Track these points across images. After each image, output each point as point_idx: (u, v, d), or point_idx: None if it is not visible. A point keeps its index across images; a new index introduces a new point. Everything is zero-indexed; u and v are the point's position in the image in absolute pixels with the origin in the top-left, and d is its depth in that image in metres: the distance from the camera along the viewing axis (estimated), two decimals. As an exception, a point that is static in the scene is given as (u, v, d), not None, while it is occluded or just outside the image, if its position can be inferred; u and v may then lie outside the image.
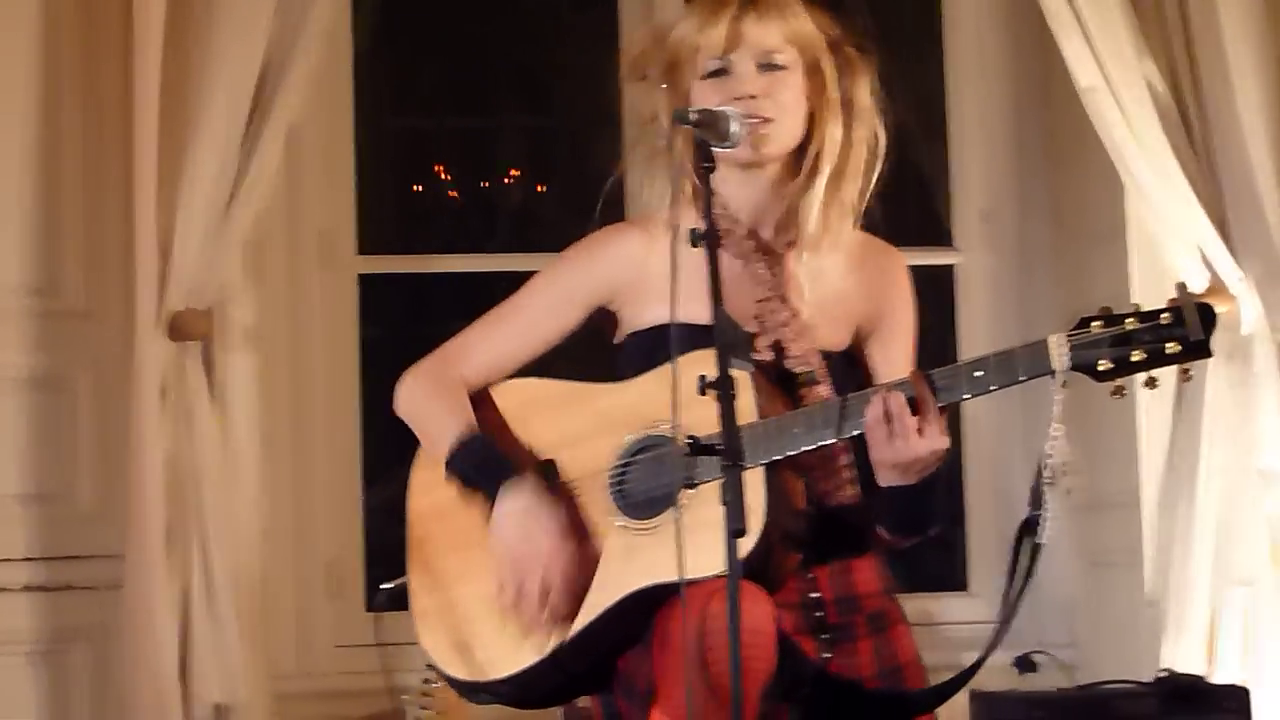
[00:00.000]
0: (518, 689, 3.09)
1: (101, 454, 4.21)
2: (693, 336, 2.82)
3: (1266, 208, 4.35)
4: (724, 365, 2.72)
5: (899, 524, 3.04)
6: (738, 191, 3.11)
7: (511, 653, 3.06)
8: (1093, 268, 4.70)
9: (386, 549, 4.31)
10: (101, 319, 4.23)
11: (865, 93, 3.14)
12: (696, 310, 2.82)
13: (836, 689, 2.99)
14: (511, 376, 3.21)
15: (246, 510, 4.27)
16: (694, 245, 2.79)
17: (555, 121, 5.79)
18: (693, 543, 2.72)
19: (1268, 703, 4.13)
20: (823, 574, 3.06)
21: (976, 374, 2.85)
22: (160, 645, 4.02)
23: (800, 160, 3.13)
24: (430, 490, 3.18)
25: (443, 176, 5.73)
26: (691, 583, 2.72)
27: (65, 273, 4.23)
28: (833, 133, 3.11)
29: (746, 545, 2.71)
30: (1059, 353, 2.80)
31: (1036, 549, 2.86)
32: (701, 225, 2.81)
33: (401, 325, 5.12)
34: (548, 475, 3.10)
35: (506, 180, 5.76)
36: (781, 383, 3.05)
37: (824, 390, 3.05)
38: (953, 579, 4.90)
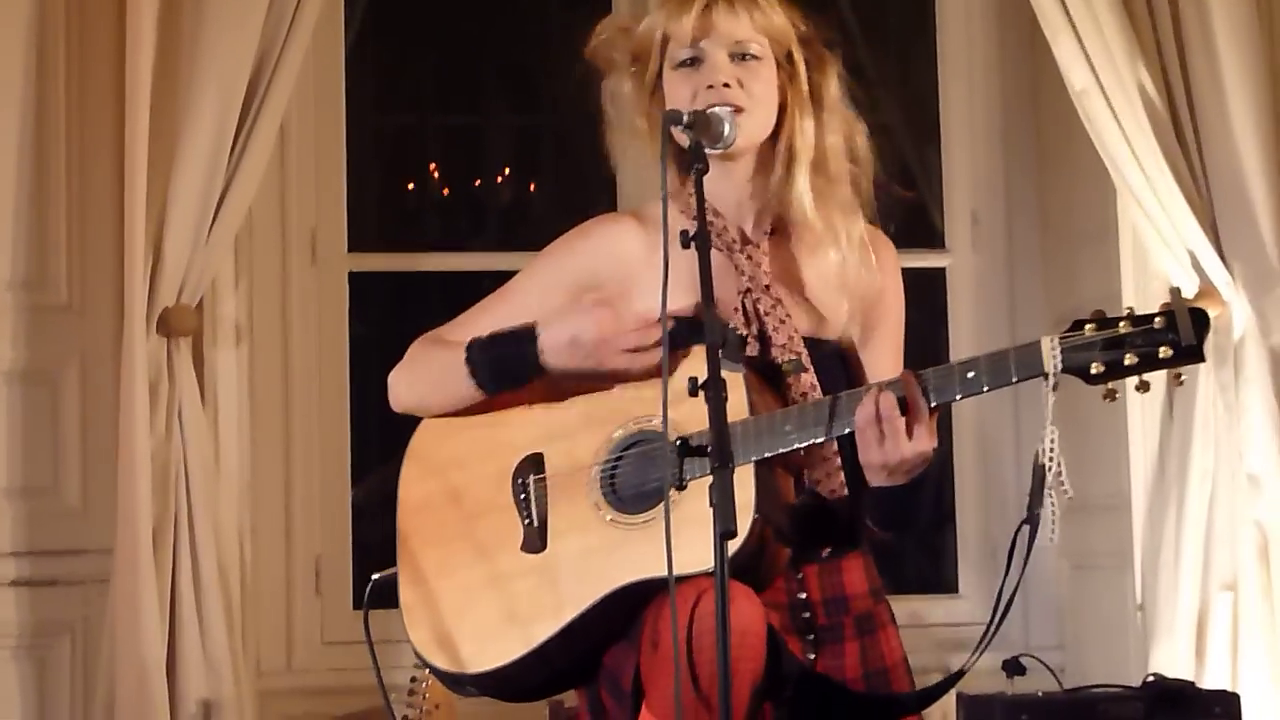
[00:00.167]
0: (503, 682, 3.07)
1: (89, 449, 4.21)
2: (680, 328, 2.83)
3: (1257, 212, 4.36)
4: (714, 369, 2.71)
5: (888, 520, 3.05)
6: (715, 184, 3.09)
7: (497, 646, 3.05)
8: (1082, 270, 4.70)
9: (374, 546, 4.31)
10: (91, 314, 4.22)
11: (835, 88, 3.15)
12: (683, 301, 2.83)
13: (822, 690, 2.99)
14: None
15: (234, 506, 4.27)
16: (685, 247, 2.79)
17: (544, 120, 5.79)
18: (681, 538, 2.71)
19: (1255, 707, 4.13)
20: (811, 575, 3.06)
21: (969, 375, 2.84)
22: (147, 641, 4.01)
23: (773, 152, 3.13)
24: (420, 482, 3.18)
25: (433, 175, 5.73)
26: (680, 579, 2.72)
27: (54, 267, 4.22)
28: (804, 125, 3.11)
29: (736, 542, 2.69)
30: (1051, 355, 2.79)
31: (1030, 549, 2.86)
32: (691, 226, 2.81)
33: (389, 323, 5.11)
34: (536, 467, 3.10)
35: (498, 179, 5.77)
36: (767, 372, 3.05)
37: (810, 378, 3.05)
38: (942, 581, 4.90)
